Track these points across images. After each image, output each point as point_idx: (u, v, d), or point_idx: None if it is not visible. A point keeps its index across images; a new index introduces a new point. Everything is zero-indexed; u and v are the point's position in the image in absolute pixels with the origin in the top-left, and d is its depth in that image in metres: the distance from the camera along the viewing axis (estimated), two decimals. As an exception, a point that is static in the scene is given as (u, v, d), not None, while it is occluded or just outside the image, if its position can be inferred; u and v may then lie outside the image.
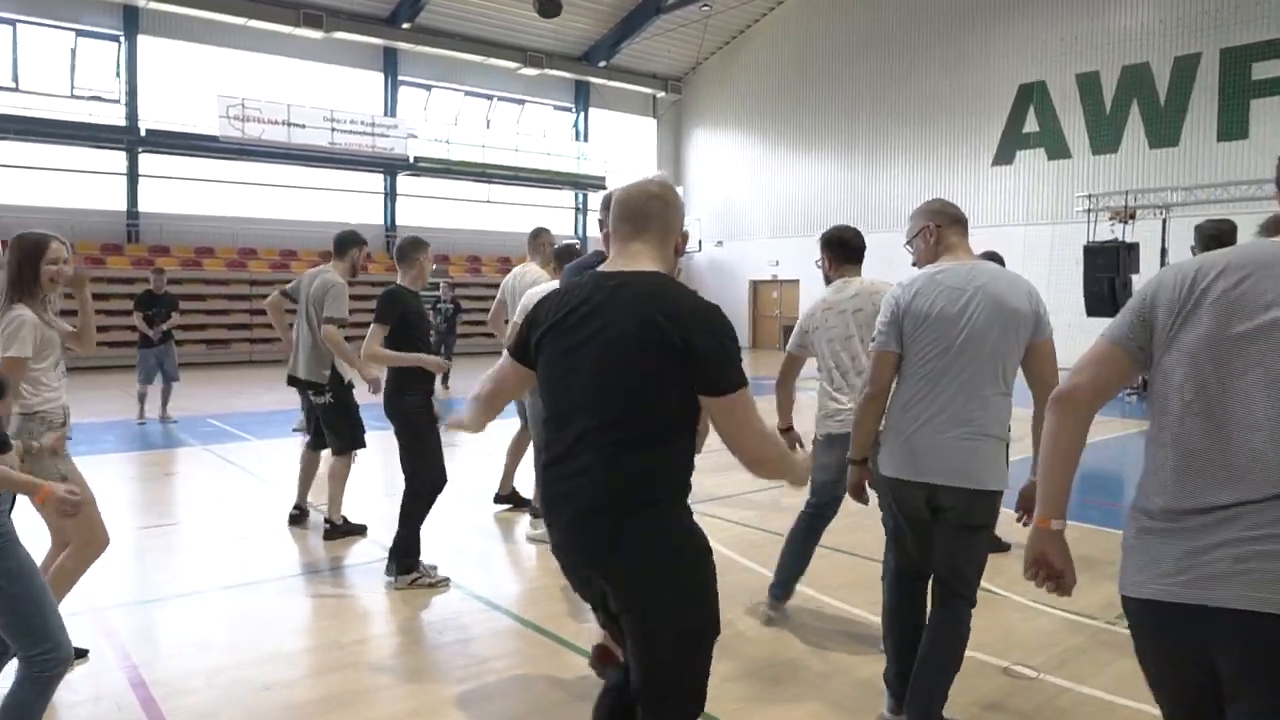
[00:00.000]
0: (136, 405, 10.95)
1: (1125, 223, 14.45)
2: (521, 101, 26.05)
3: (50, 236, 3.63)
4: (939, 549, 3.10)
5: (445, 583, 4.89)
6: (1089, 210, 15.58)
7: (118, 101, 19.78)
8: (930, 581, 3.17)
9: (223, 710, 3.44)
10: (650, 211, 2.19)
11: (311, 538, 5.91)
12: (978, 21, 20.97)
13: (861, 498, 3.31)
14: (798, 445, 4.26)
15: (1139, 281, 13.89)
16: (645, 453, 2.06)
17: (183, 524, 6.23)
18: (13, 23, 18.41)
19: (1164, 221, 14.88)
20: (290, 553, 5.62)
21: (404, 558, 4.86)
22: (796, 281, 24.66)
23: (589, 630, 4.10)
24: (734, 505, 6.69)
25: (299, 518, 6.11)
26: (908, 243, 3.31)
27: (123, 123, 19.70)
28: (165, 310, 10.90)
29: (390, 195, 23.79)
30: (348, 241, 5.94)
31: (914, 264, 3.29)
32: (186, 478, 7.80)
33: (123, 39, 19.71)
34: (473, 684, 3.70)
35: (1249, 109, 16.89)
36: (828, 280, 4.24)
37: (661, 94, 28.38)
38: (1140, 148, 18.39)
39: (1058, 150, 19.82)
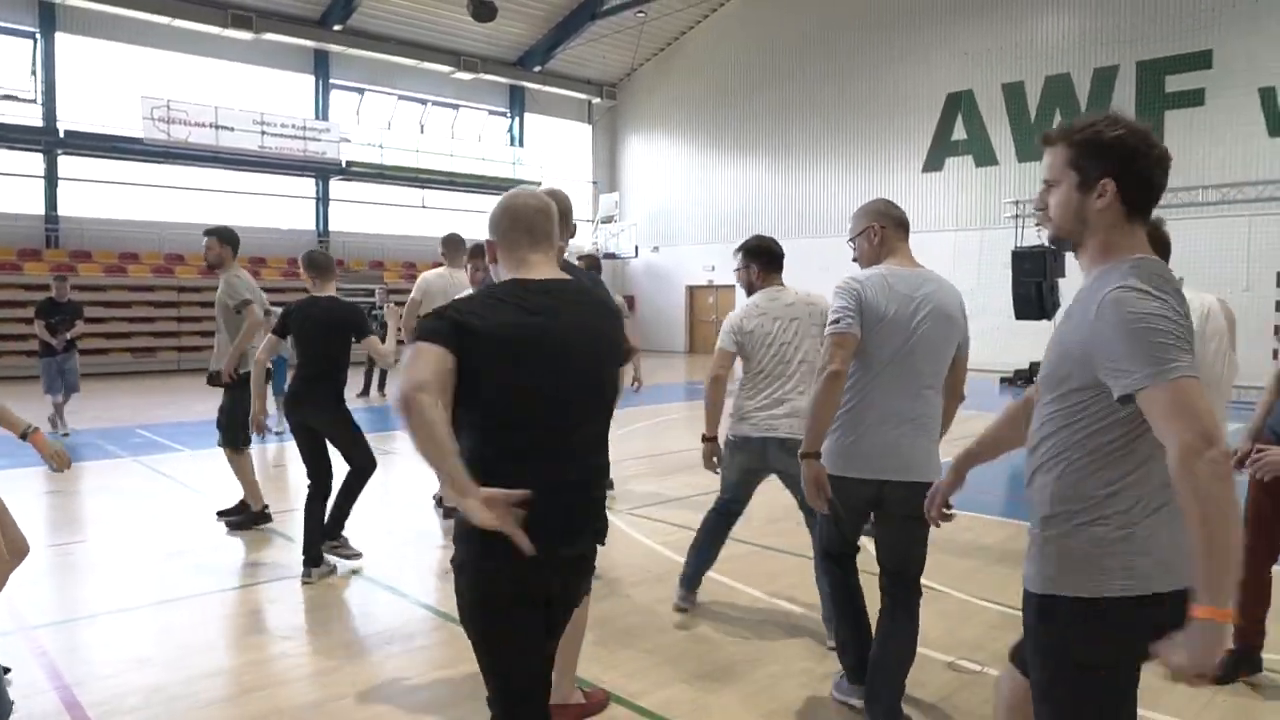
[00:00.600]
0: (51, 416, 10.51)
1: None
2: (456, 106, 25.82)
3: None
4: (888, 544, 3.18)
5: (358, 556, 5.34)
6: (1016, 216, 16.04)
7: (34, 101, 19.06)
8: (878, 575, 3.24)
9: (164, 729, 3.34)
10: (544, 227, 2.23)
11: (246, 548, 5.77)
12: (907, 31, 21.45)
13: (820, 500, 3.06)
14: (714, 460, 4.29)
15: (1065, 285, 14.33)
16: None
17: (113, 538, 6.02)
18: (-80, 18, 17.65)
19: (1086, 227, 15.39)
20: (227, 565, 5.48)
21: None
22: (732, 287, 24.87)
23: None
24: (677, 508, 6.73)
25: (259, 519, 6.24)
26: (851, 239, 3.36)
27: (40, 123, 19.00)
28: (69, 318, 10.62)
29: (322, 200, 23.36)
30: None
31: (855, 260, 3.35)
32: (116, 491, 7.53)
33: (39, 36, 19.00)
34: (425, 694, 3.65)
35: (1164, 120, 17.57)
36: (750, 289, 4.28)
37: (597, 99, 28.40)
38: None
39: (985, 157, 20.36)
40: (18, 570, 5.24)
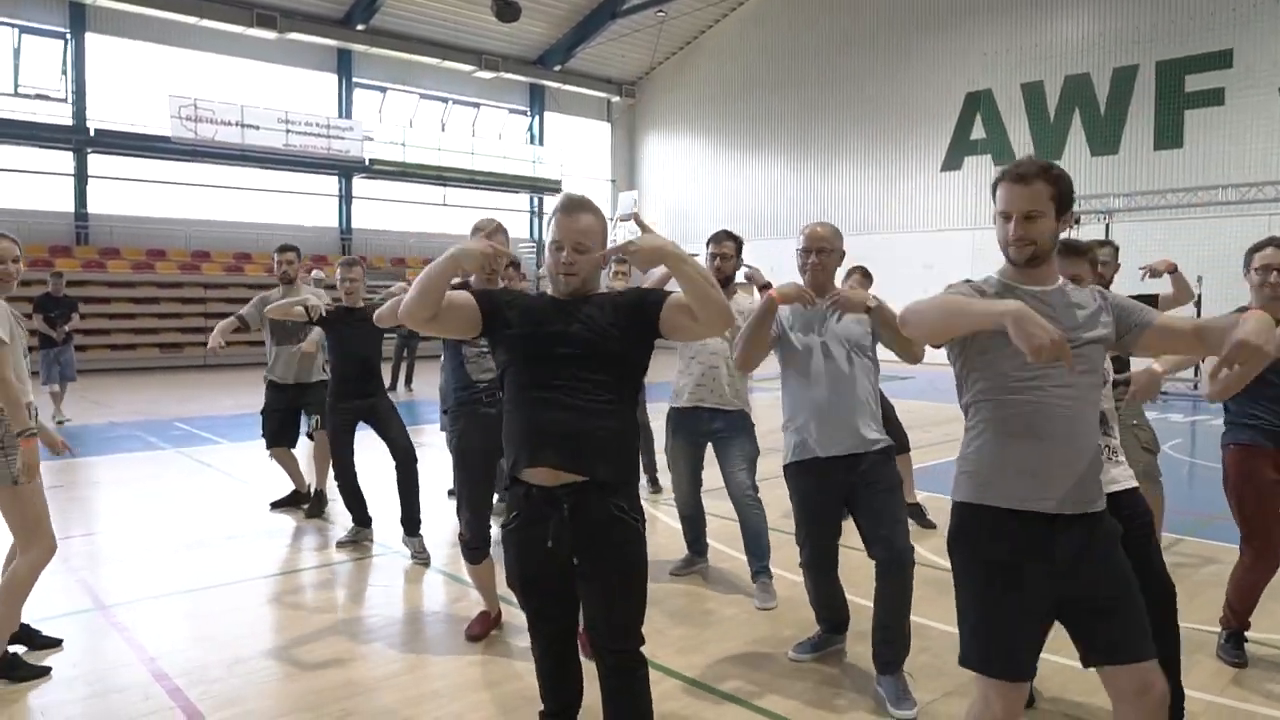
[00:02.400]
0: (51, 405, 11.01)
1: (1071, 227, 15.01)
2: (477, 105, 26.05)
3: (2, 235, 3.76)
4: (873, 515, 3.55)
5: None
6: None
7: (64, 100, 19.37)
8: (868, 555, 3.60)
9: (250, 696, 3.54)
10: None
11: (305, 533, 6.00)
12: (927, 31, 21.54)
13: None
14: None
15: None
16: None
17: (169, 524, 6.25)
18: (-46, 19, 17.97)
19: (1107, 226, 15.49)
20: (287, 549, 5.70)
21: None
22: (747, 284, 24.98)
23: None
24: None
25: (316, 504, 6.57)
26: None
27: (70, 122, 19.30)
28: (65, 312, 11.32)
29: (345, 198, 23.63)
30: None
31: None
32: (166, 481, 7.77)
33: (69, 36, 19.31)
34: (489, 666, 3.85)
35: (1183, 119, 17.62)
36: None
37: (616, 98, 28.58)
38: (1083, 155, 19.06)
39: (1004, 157, 20.41)
40: (90, 553, 5.50)
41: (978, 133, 20.83)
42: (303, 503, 6.65)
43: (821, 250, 3.71)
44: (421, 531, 5.48)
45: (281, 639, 4.18)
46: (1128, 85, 18.49)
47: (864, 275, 6.12)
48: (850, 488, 3.56)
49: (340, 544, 5.71)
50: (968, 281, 2.49)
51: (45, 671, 3.72)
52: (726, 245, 4.76)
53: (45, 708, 3.44)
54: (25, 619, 3.91)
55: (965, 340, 2.35)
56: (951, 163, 21.27)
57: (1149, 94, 18.19)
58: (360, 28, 22.43)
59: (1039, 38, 19.78)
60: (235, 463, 8.52)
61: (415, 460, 5.50)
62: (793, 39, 24.38)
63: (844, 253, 3.83)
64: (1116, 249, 5.06)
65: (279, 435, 6.64)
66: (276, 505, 6.73)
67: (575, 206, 2.52)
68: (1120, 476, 3.08)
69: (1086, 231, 15.34)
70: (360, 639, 4.18)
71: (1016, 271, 2.43)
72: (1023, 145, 20.06)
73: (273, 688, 3.63)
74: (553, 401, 2.43)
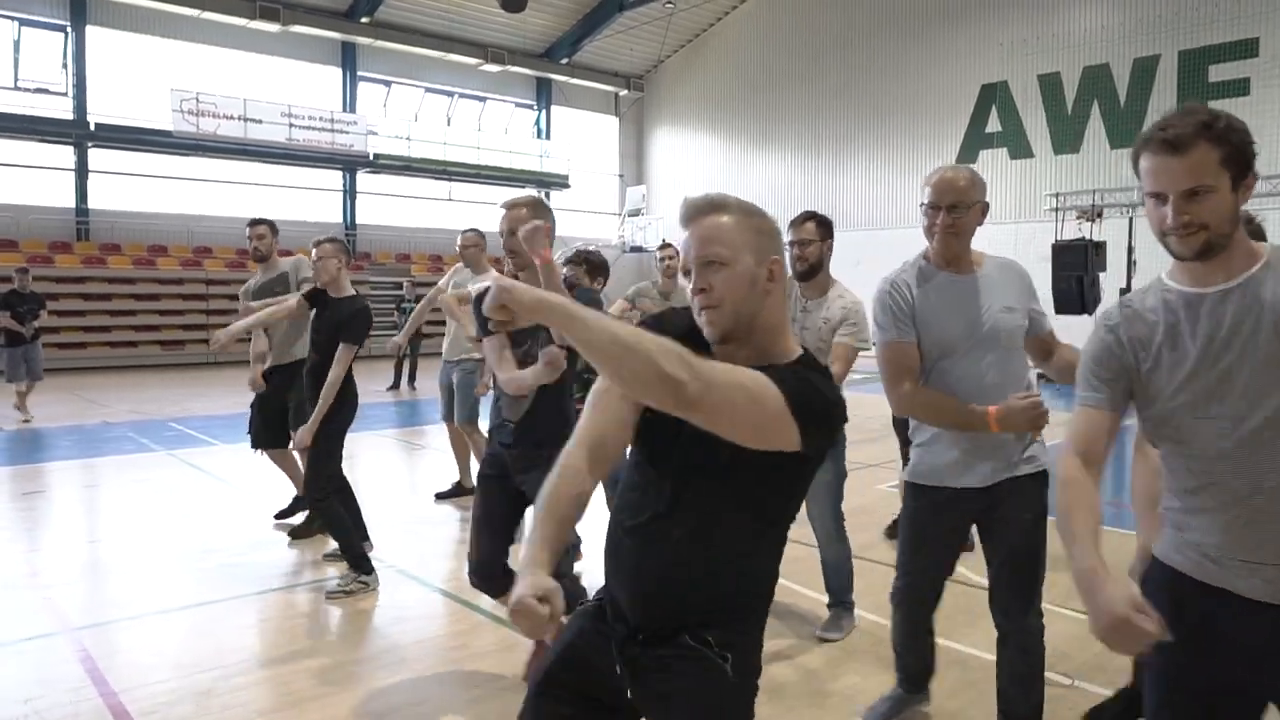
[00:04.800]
0: (17, 407, 10.88)
1: (1092, 221, 14.63)
2: (483, 99, 25.71)
3: None
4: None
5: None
6: (1055, 209, 15.73)
7: (65, 94, 19.09)
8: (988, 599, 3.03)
9: (217, 739, 3.20)
10: None
11: (282, 547, 5.65)
12: (941, 21, 21.11)
13: None
14: None
15: (1106, 280, 14.04)
16: None
17: (148, 536, 5.90)
18: (-49, 12, 17.70)
19: (1130, 220, 15.07)
20: (265, 564, 5.35)
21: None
22: (761, 280, 24.66)
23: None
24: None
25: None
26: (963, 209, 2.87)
27: (70, 116, 19.02)
28: (33, 308, 11.09)
29: (350, 193, 23.32)
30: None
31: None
32: (151, 485, 7.44)
33: (69, 29, 19.02)
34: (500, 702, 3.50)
35: (1207, 110, 17.19)
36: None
37: (624, 92, 28.20)
38: (1101, 147, 18.63)
39: (1020, 150, 20.01)
40: (61, 568, 5.15)
41: (993, 125, 20.40)
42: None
43: (956, 205, 2.80)
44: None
45: (262, 670, 3.84)
46: (1149, 76, 18.05)
47: None
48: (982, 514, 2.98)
49: (327, 555, 5.37)
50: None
51: None
52: (807, 228, 4.01)
53: (-10, 751, 3.10)
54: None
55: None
56: (966, 156, 20.83)
57: (1170, 85, 17.76)
58: (364, 20, 22.11)
59: (1057, 28, 19.34)
60: (228, 466, 8.18)
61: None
62: (803, 31, 23.98)
63: (987, 205, 2.91)
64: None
65: (261, 433, 5.96)
66: (281, 516, 6.13)
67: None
68: None
69: (1108, 227, 14.94)
70: (349, 670, 3.83)
71: (1183, 269, 1.82)
72: (1040, 138, 19.66)
73: None
74: None
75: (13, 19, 18.40)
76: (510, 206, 3.44)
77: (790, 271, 3.80)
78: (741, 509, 1.73)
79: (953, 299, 2.84)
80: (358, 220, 23.29)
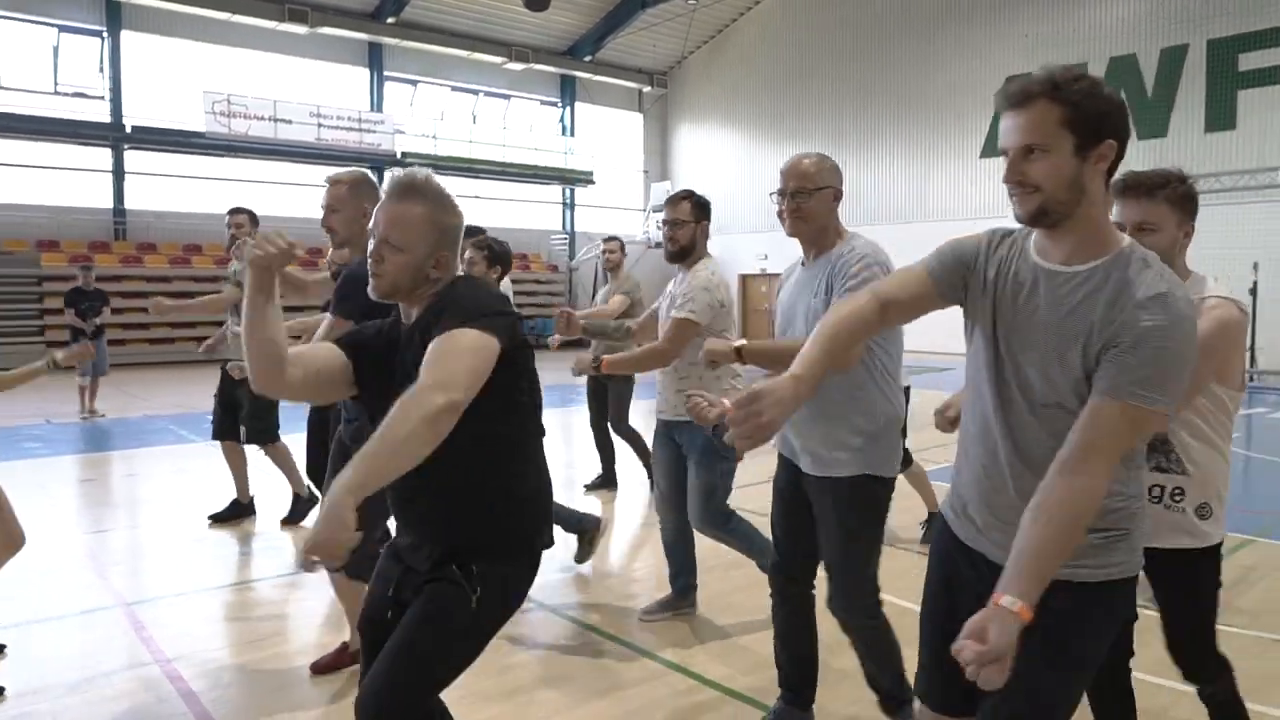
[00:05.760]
0: (79, 400, 11.15)
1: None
2: (507, 96, 25.94)
3: None
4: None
5: None
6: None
7: (102, 98, 19.53)
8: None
9: (258, 706, 3.40)
10: None
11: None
12: (964, 14, 21.07)
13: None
14: None
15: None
16: None
17: (202, 520, 6.16)
18: (-7, 19, 18.16)
19: (1154, 211, 15.01)
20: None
21: None
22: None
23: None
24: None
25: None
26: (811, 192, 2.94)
27: (107, 119, 19.46)
28: (96, 305, 11.26)
29: (378, 191, 23.63)
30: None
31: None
32: (196, 475, 7.71)
33: (105, 34, 19.45)
34: (519, 673, 3.68)
35: (1236, 100, 17.04)
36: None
37: (647, 88, 28.33)
38: (1129, 139, 18.48)
39: (1045, 142, 19.93)
40: (116, 548, 5.42)
41: (1018, 117, 20.32)
42: (244, 514, 6.02)
43: (799, 191, 2.89)
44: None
45: (303, 639, 4.05)
46: (1176, 66, 17.92)
47: None
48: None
49: None
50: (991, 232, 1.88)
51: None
52: (681, 208, 3.90)
53: (57, 712, 3.33)
54: (45, 615, 3.80)
55: None
56: (991, 149, 20.77)
57: (1199, 74, 17.63)
58: (390, 21, 22.40)
59: (1082, 19, 19.25)
60: (263, 456, 8.42)
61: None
62: (825, 25, 23.99)
63: (839, 192, 2.96)
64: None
65: (219, 424, 6.00)
66: (215, 519, 5.99)
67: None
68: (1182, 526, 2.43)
69: (1133, 217, 14.88)
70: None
71: (1039, 236, 1.77)
72: (1065, 129, 19.54)
73: (289, 694, 3.50)
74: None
75: (52, 25, 18.86)
76: (332, 182, 3.42)
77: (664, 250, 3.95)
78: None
79: (796, 290, 2.99)
80: (386, 218, 23.61)
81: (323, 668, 3.65)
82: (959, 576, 1.92)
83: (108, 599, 4.54)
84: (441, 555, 2.07)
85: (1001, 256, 1.82)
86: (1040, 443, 1.72)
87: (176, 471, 7.90)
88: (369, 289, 2.08)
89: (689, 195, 3.95)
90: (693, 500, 3.95)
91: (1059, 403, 1.70)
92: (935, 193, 21.87)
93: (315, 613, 4.39)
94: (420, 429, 1.75)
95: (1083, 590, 1.72)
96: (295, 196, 21.92)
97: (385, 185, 2.10)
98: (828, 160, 2.98)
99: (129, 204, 20.00)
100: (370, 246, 2.06)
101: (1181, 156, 17.57)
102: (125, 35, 19.65)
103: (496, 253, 5.16)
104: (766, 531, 3.32)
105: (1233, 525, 4.15)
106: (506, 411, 2.06)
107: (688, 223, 3.88)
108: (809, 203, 2.89)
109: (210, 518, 6.01)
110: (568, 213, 27.51)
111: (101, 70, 19.54)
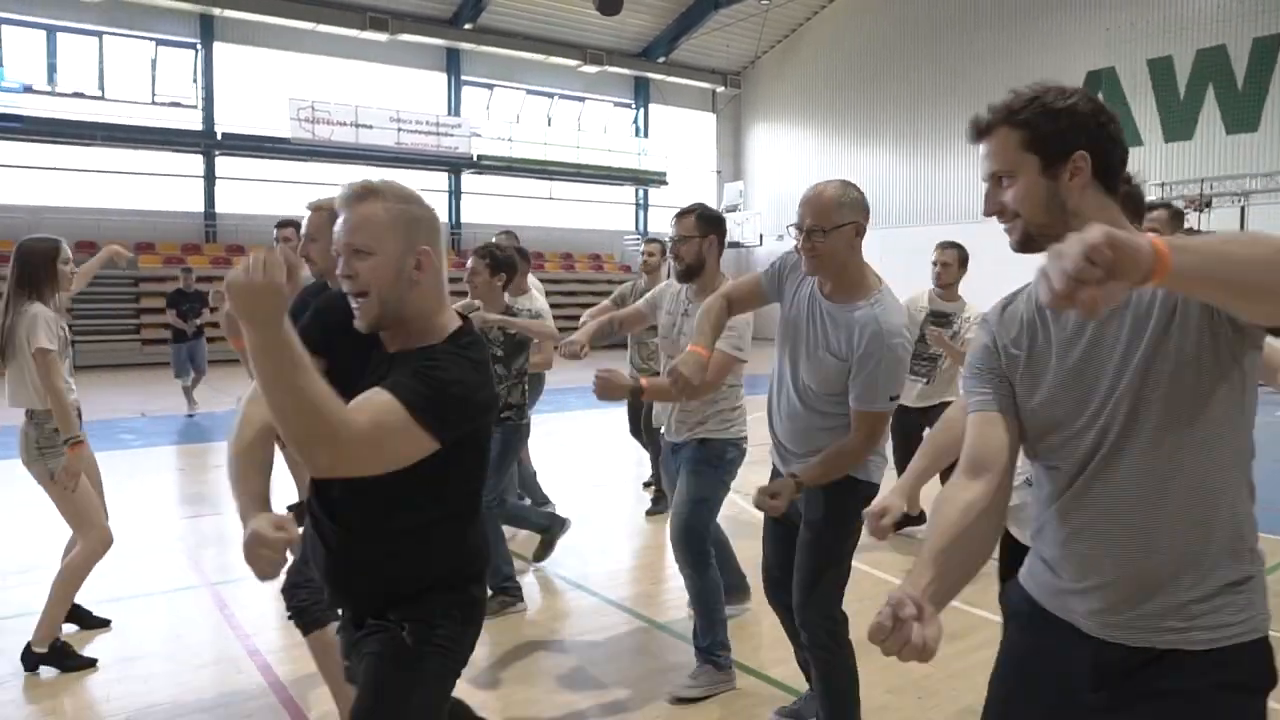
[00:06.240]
0: (184, 399, 11.56)
1: (1200, 211, 14.16)
2: (582, 99, 26.28)
3: (59, 240, 3.83)
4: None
5: None
6: (1161, 200, 15.25)
7: (195, 107, 20.45)
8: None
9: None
10: None
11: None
12: (1043, 8, 20.60)
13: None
14: None
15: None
16: None
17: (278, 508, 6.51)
18: (98, 34, 19.16)
19: (1242, 209, 14.52)
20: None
21: None
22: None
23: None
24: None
25: None
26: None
27: (200, 127, 20.38)
28: (196, 306, 11.55)
29: (455, 193, 24.22)
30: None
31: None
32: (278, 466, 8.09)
33: (199, 47, 20.37)
34: (570, 655, 3.87)
35: (1332, 91, 16.35)
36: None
37: (720, 89, 28.38)
38: (1217, 134, 17.89)
39: (1129, 138, 19.08)
40: (205, 532, 5.76)
41: (1100, 113, 19.79)
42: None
43: (815, 229, 2.65)
44: None
45: None
46: (1270, 56, 17.22)
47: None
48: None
49: None
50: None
51: (92, 663, 3.74)
52: (685, 223, 3.66)
53: (147, 677, 3.63)
54: (139, 592, 4.13)
55: None
56: (1071, 145, 20.28)
57: (1294, 65, 16.93)
58: (468, 27, 22.91)
59: (1167, 10, 18.65)
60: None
61: None
62: (898, 22, 23.71)
63: (861, 227, 2.71)
64: (1177, 213, 3.79)
65: None
66: (293, 509, 6.13)
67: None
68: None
69: (1219, 216, 14.40)
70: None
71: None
72: (1149, 126, 18.99)
73: None
74: None
75: (150, 40, 19.84)
76: (313, 209, 3.22)
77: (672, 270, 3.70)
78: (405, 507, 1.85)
79: (806, 318, 2.80)
80: (462, 219, 24.16)
81: None
82: None
83: (195, 579, 4.88)
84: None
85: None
86: None
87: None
88: (355, 323, 1.83)
89: (695, 209, 3.69)
90: (677, 513, 3.60)
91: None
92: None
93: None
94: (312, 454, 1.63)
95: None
96: (375, 199, 22.57)
97: (339, 197, 1.86)
98: (851, 190, 2.71)
99: (219, 207, 20.92)
100: (339, 267, 1.81)
101: (1274, 151, 16.93)
102: (217, 47, 20.55)
103: (499, 259, 4.65)
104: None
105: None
106: (433, 501, 1.88)
107: (692, 238, 3.58)
108: (826, 242, 2.64)
109: (289, 508, 6.32)
110: (641, 213, 27.75)
111: (195, 80, 20.46)
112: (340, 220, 1.82)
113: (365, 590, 1.94)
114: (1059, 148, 1.57)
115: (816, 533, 2.82)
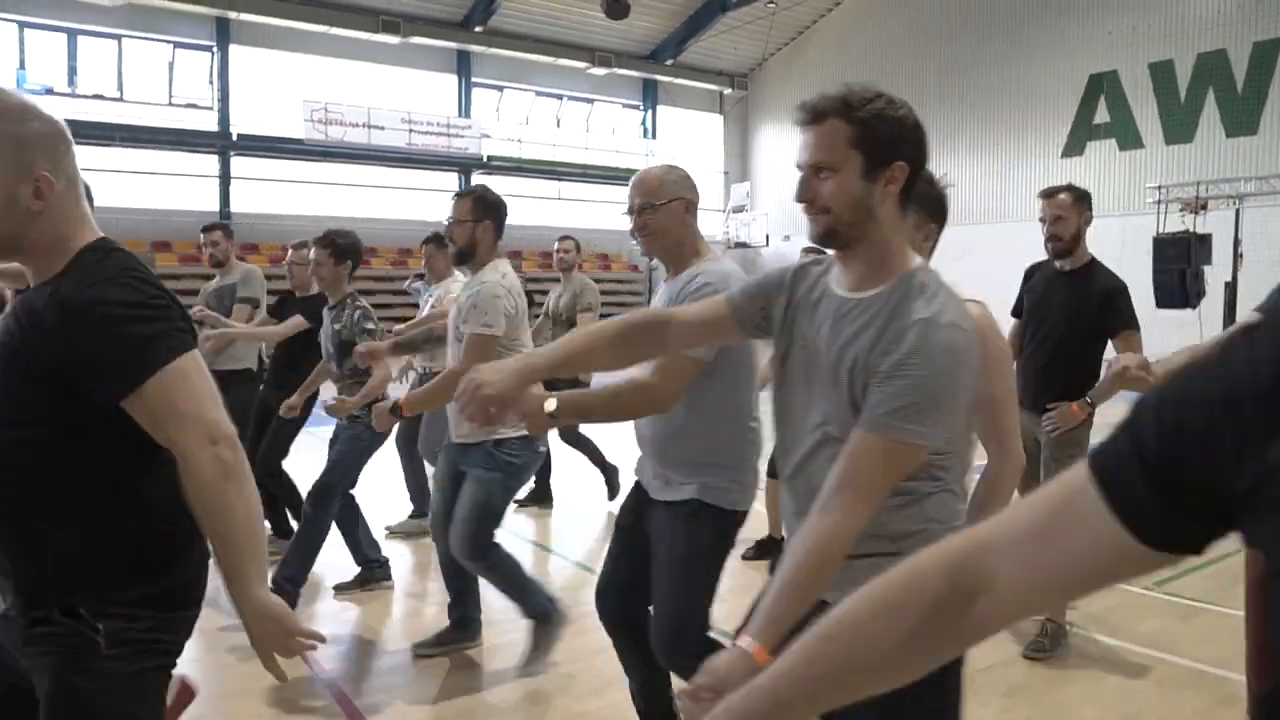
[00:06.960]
0: None
1: (1196, 213, 14.32)
2: (590, 100, 26.58)
3: None
4: None
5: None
6: (1159, 201, 15.47)
7: (211, 109, 20.85)
8: None
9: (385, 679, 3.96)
10: None
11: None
12: (1047, 12, 20.79)
13: None
14: None
15: (1211, 273, 13.78)
16: None
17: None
18: (117, 37, 19.56)
19: (1237, 212, 14.71)
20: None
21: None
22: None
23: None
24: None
25: None
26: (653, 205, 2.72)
27: (215, 128, 20.77)
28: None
29: (465, 194, 24.52)
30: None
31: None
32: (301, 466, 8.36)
33: (215, 49, 20.76)
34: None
35: (1333, 95, 16.50)
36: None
37: (728, 91, 28.63)
38: (1217, 137, 18.07)
39: (1130, 140, 19.58)
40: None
41: (1101, 116, 20.00)
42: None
43: (644, 208, 2.69)
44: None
45: (420, 627, 4.58)
46: (1269, 60, 17.38)
47: None
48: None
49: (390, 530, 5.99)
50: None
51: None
52: (461, 205, 3.67)
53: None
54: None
55: None
56: (1073, 148, 20.51)
57: (1294, 68, 17.10)
58: (478, 29, 23.23)
59: (1169, 14, 18.83)
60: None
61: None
62: (905, 25, 23.92)
63: (690, 202, 2.74)
64: (1081, 195, 3.90)
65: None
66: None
67: None
68: None
69: (1214, 219, 14.58)
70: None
71: (836, 260, 1.73)
72: (1150, 129, 19.18)
73: (416, 686, 3.73)
74: None
75: (167, 42, 20.24)
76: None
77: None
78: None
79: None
80: (472, 220, 24.47)
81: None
82: None
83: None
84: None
85: (808, 283, 1.78)
86: (825, 475, 1.60)
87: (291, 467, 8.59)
88: None
89: (473, 191, 3.69)
90: (458, 522, 3.55)
91: (838, 436, 1.61)
92: (1015, 193, 21.62)
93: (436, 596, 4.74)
94: None
95: None
96: (388, 199, 22.99)
97: None
98: (677, 170, 2.74)
99: (234, 207, 21.29)
100: None
101: (1273, 154, 17.11)
102: (233, 50, 20.92)
103: (341, 246, 4.54)
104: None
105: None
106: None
107: (466, 222, 3.57)
108: (655, 218, 2.66)
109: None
110: (648, 213, 27.96)
111: (211, 82, 20.86)
112: None
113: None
114: (885, 154, 1.62)
115: (683, 557, 2.60)
